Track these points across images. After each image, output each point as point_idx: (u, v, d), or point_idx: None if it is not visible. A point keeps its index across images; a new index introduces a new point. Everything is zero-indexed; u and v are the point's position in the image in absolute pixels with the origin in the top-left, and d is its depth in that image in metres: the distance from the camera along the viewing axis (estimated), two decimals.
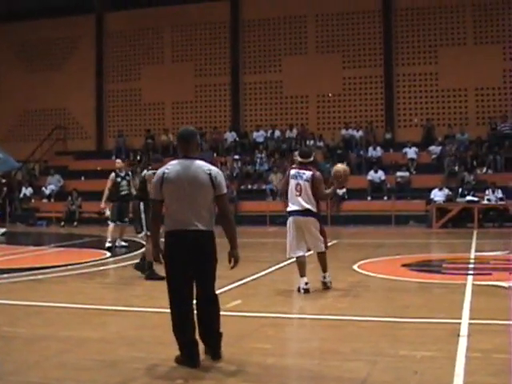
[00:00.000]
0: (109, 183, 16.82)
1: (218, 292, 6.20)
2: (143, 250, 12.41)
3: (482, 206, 23.08)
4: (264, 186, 27.36)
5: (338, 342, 6.87)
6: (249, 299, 9.51)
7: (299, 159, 10.07)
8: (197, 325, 5.99)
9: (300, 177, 9.77)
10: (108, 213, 17.53)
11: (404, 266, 12.73)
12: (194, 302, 6.01)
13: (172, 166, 6.02)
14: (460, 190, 24.05)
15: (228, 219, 6.11)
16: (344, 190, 25.39)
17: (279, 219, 22.32)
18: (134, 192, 16.30)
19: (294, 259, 9.99)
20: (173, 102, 32.35)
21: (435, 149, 27.45)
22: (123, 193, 16.74)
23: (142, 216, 12.00)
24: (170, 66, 32.32)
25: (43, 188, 30.24)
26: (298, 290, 9.71)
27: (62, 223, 27.13)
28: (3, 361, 6.27)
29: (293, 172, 9.85)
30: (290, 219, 9.78)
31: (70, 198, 27.70)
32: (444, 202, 23.68)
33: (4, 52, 34.20)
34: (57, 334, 7.40)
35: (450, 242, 19.27)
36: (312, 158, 10.10)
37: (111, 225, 16.89)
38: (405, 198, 25.49)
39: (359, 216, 25.03)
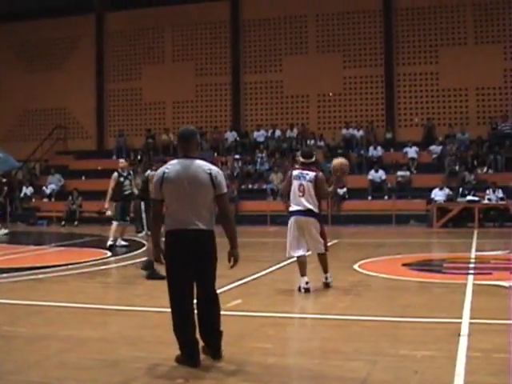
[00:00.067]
0: (112, 183, 16.80)
1: (218, 291, 6.21)
2: (144, 248, 12.42)
3: (483, 206, 23.08)
4: (264, 186, 27.36)
5: (338, 342, 6.87)
6: (249, 299, 9.51)
7: (301, 159, 10.07)
8: (197, 324, 6.00)
9: (303, 177, 9.78)
10: (109, 212, 17.52)
11: (404, 265, 12.73)
12: (195, 301, 6.02)
13: (172, 166, 6.02)
14: (460, 189, 24.05)
15: (228, 219, 6.12)
16: (345, 189, 25.45)
17: (280, 219, 22.32)
18: (135, 191, 16.33)
19: (295, 259, 10.00)
20: (173, 101, 32.35)
21: (436, 148, 27.45)
22: (126, 192, 16.76)
23: (143, 216, 12.02)
24: (170, 65, 32.32)
25: (44, 187, 30.25)
26: (299, 290, 9.72)
27: (63, 223, 27.13)
28: (4, 360, 6.28)
29: (296, 173, 9.85)
30: (292, 219, 9.78)
31: (70, 198, 27.71)
32: (444, 201, 23.67)
33: (4, 52, 34.20)
34: (57, 333, 7.40)
35: (450, 241, 19.27)
36: (314, 159, 10.12)
37: (114, 224, 16.89)
38: (405, 197, 25.48)
39: (360, 215, 25.02)
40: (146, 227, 11.88)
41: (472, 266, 12.50)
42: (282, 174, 26.88)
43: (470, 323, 7.40)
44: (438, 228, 22.55)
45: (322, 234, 9.97)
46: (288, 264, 11.95)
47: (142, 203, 12.04)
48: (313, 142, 28.64)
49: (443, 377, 5.52)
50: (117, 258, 15.10)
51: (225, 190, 6.07)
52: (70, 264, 13.47)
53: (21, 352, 6.58)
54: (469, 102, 28.73)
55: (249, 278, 11.14)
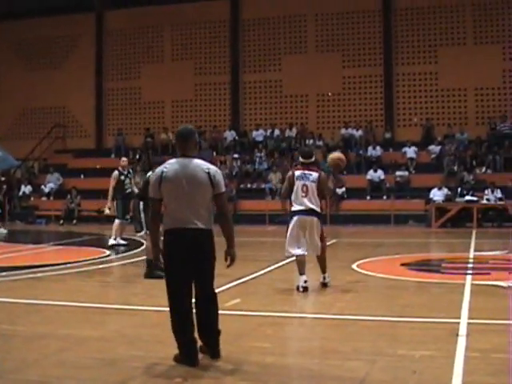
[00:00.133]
0: (113, 181, 16.80)
1: (216, 291, 6.20)
2: (143, 247, 12.42)
3: (481, 206, 23.09)
4: (263, 185, 27.37)
5: (336, 341, 6.87)
6: (248, 298, 9.51)
7: (301, 159, 10.08)
8: (196, 323, 6.00)
9: (307, 178, 9.80)
10: (107, 211, 17.54)
11: (403, 265, 12.74)
12: (193, 300, 6.02)
13: (170, 165, 6.02)
14: (459, 189, 24.06)
15: (226, 218, 6.13)
16: (343, 189, 25.45)
17: (278, 218, 22.34)
18: (135, 190, 16.40)
19: (293, 258, 10.01)
20: (172, 100, 32.36)
21: (434, 148, 27.47)
22: (127, 191, 16.78)
23: (142, 215, 12.04)
24: (169, 64, 32.32)
25: (42, 186, 30.25)
26: (297, 289, 9.73)
27: (61, 221, 27.14)
28: (3, 359, 6.28)
29: (298, 173, 9.85)
30: (295, 218, 9.78)
31: (69, 196, 27.71)
32: (443, 201, 23.69)
33: (4, 50, 34.17)
34: (56, 332, 7.40)
35: (449, 241, 19.29)
36: (314, 158, 10.13)
37: (117, 222, 16.88)
38: (404, 197, 25.50)
39: (358, 215, 25.04)
40: (145, 226, 11.90)
41: (470, 266, 12.51)
42: (281, 173, 26.90)
43: (469, 323, 7.41)
44: (436, 228, 22.57)
45: (321, 236, 10.00)
46: (286, 263, 11.96)
47: (141, 203, 12.04)
48: (312, 141, 28.64)
49: (442, 377, 5.52)
50: (115, 256, 15.11)
51: (223, 189, 6.08)
52: (69, 263, 13.47)
53: (20, 351, 6.58)
54: (468, 102, 28.75)
55: (247, 278, 11.14)
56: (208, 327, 6.07)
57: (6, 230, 22.43)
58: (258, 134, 30.34)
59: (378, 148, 28.18)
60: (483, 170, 26.20)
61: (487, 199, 23.30)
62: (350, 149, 28.55)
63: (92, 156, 31.77)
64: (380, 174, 26.61)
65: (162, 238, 6.12)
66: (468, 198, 23.17)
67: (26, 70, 33.96)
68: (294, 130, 29.88)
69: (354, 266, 12.42)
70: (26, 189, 30.35)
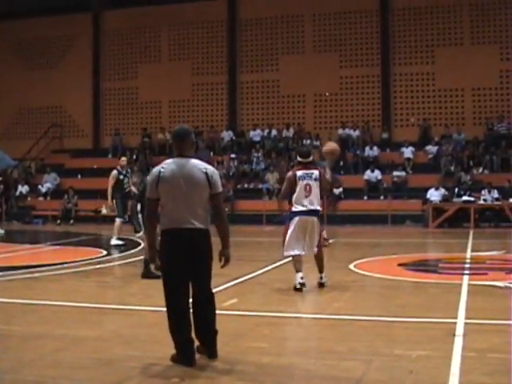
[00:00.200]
0: (111, 181, 16.80)
1: (214, 291, 6.20)
2: (141, 247, 12.42)
3: (478, 206, 23.12)
4: (260, 185, 27.36)
5: (333, 341, 6.87)
6: (245, 298, 9.51)
7: (299, 159, 10.08)
8: (193, 323, 6.00)
9: (309, 177, 9.83)
10: (105, 211, 17.55)
11: (400, 265, 12.74)
12: (190, 300, 6.02)
13: (167, 165, 6.02)
14: (456, 189, 24.09)
15: (222, 218, 6.13)
16: (341, 189, 25.47)
17: (276, 218, 22.33)
18: (134, 189, 16.44)
19: (290, 258, 10.02)
20: (170, 100, 32.35)
21: (432, 148, 27.49)
22: (126, 190, 16.81)
23: (139, 216, 12.04)
24: (166, 64, 32.31)
25: (39, 186, 30.22)
26: (294, 289, 9.72)
27: (58, 221, 27.12)
28: None
29: (300, 173, 9.84)
30: (297, 218, 9.78)
31: (66, 196, 27.69)
32: (440, 201, 23.72)
33: (1, 50, 34.15)
34: (53, 332, 7.39)
35: (446, 241, 19.30)
36: (312, 158, 10.15)
37: (118, 221, 16.87)
38: (401, 197, 25.52)
39: (356, 215, 25.04)
40: (143, 227, 11.90)
41: (467, 266, 12.52)
42: (278, 173, 26.92)
43: (465, 323, 7.41)
44: (433, 228, 22.58)
45: (319, 237, 10.06)
46: (284, 263, 11.95)
47: (138, 204, 12.05)
48: (309, 141, 28.62)
49: (438, 377, 5.52)
50: (112, 256, 15.10)
51: (220, 189, 6.08)
52: (66, 263, 13.46)
53: (16, 351, 6.57)
54: (465, 102, 28.78)
55: (244, 278, 11.13)
56: (205, 327, 6.06)
57: (3, 230, 22.40)
58: (255, 134, 30.34)
59: (375, 148, 28.20)
60: (480, 170, 26.24)
61: (484, 199, 23.33)
62: (348, 149, 28.57)
63: (89, 156, 31.75)
64: (377, 174, 26.62)
65: (158, 239, 6.12)
66: (465, 198, 23.18)
67: (23, 69, 33.93)
68: (292, 130, 29.89)
69: (351, 266, 12.42)
70: (23, 189, 30.32)
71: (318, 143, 28.70)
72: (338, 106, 30.25)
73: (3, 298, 9.43)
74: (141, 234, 12.29)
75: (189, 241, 5.90)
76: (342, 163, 27.98)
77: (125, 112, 33.05)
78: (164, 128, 30.93)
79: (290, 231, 9.82)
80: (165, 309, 6.03)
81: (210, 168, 6.07)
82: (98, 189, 25.28)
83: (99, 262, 13.91)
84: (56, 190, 29.97)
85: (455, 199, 23.50)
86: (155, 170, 6.06)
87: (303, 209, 9.76)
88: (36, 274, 11.86)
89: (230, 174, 28.45)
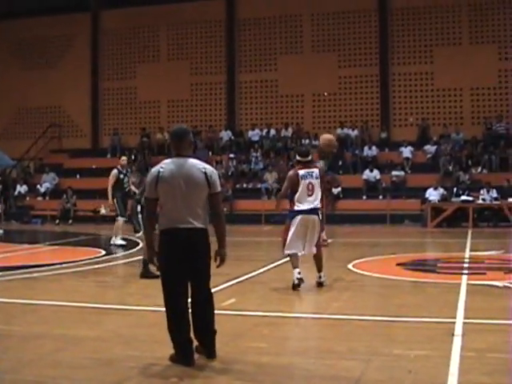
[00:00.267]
0: (112, 180, 16.79)
1: (213, 290, 6.21)
2: (139, 247, 12.42)
3: (477, 206, 23.11)
4: (259, 185, 27.35)
5: (332, 341, 6.88)
6: (244, 298, 9.51)
7: (299, 158, 10.10)
8: (191, 323, 6.00)
9: (310, 176, 9.87)
10: (103, 211, 17.56)
11: (399, 265, 12.74)
12: (189, 300, 6.02)
13: (166, 165, 6.01)
14: (455, 189, 24.09)
15: (220, 218, 6.14)
16: (339, 188, 25.51)
17: (274, 218, 22.36)
18: (133, 189, 16.48)
19: (288, 257, 10.06)
20: (168, 100, 32.34)
21: (430, 148, 27.50)
22: (126, 189, 16.82)
23: (139, 216, 12.06)
24: (165, 64, 32.30)
25: (38, 186, 30.21)
26: (293, 287, 9.73)
27: (57, 221, 27.11)
28: None
29: (302, 172, 9.86)
30: (299, 217, 9.80)
31: (64, 196, 27.68)
32: (439, 201, 23.71)
33: (0, 50, 34.13)
34: (52, 332, 7.40)
35: (444, 241, 19.30)
36: (310, 157, 10.18)
37: (121, 220, 16.86)
38: (400, 197, 25.51)
39: (354, 215, 25.06)
40: (143, 226, 11.91)
41: (466, 265, 12.53)
42: (277, 173, 26.93)
43: (464, 323, 7.41)
44: (432, 228, 22.57)
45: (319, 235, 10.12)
46: (282, 263, 11.95)
47: (138, 205, 12.07)
48: (307, 141, 28.62)
49: (437, 376, 5.53)
50: (111, 256, 15.10)
51: (219, 188, 6.09)
52: (65, 263, 13.46)
53: (15, 351, 6.57)
54: (463, 101, 28.79)
55: (243, 277, 11.14)
56: (204, 327, 6.07)
57: (2, 229, 22.39)
58: (254, 134, 30.34)
59: (373, 148, 28.21)
60: (479, 169, 26.24)
61: (483, 199, 23.32)
62: (346, 149, 28.59)
63: (88, 156, 31.74)
64: (376, 173, 26.63)
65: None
66: (464, 197, 23.18)
67: (21, 69, 33.90)
68: (290, 130, 29.89)
69: (350, 266, 12.42)
70: (22, 188, 30.31)
71: (316, 143, 28.73)
72: (337, 106, 30.26)
73: (2, 298, 9.43)
74: (140, 233, 12.29)
75: (187, 240, 5.90)
76: (340, 163, 28.01)
77: (123, 112, 33.04)
78: (163, 128, 30.92)
79: (292, 230, 9.83)
80: (164, 309, 6.04)
81: (208, 168, 6.07)
82: (97, 189, 25.29)
83: (98, 262, 13.91)
84: (55, 189, 29.95)
85: (454, 199, 23.50)
86: (154, 169, 6.06)
87: (306, 207, 9.79)
88: (35, 274, 11.86)
89: (229, 173, 28.45)
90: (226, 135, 30.63)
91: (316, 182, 9.90)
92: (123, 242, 16.77)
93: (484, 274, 11.43)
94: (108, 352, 6.44)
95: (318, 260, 10.12)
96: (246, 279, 11.11)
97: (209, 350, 6.07)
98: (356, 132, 29.15)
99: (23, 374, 5.79)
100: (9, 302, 9.21)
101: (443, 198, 23.83)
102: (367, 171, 26.73)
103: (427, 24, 29.07)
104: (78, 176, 30.41)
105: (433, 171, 26.26)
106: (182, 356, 5.91)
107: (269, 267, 12.48)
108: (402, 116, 29.64)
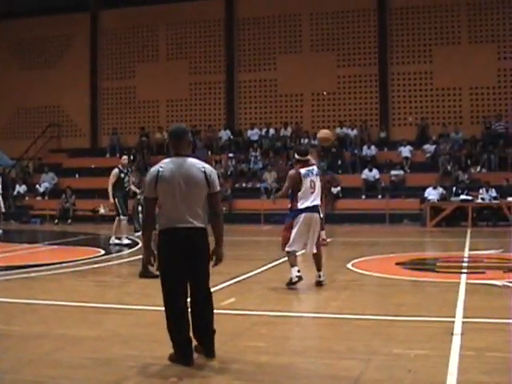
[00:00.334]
0: (112, 179, 16.77)
1: (212, 290, 6.20)
2: (138, 246, 12.41)
3: (476, 205, 23.11)
4: (258, 185, 27.35)
5: (331, 340, 6.88)
6: (243, 297, 9.52)
7: (298, 157, 10.13)
8: (191, 323, 6.00)
9: (311, 173, 9.95)
10: (102, 210, 17.57)
11: (398, 264, 12.75)
12: (189, 299, 6.02)
13: (165, 165, 6.01)
14: (454, 188, 24.08)
15: (219, 217, 6.14)
16: (339, 188, 25.52)
17: (274, 217, 22.37)
18: (133, 188, 16.52)
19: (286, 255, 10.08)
20: (167, 99, 32.33)
21: (429, 147, 27.49)
22: (127, 189, 16.84)
23: (140, 216, 12.08)
24: (164, 63, 32.29)
25: (37, 186, 30.20)
26: (290, 284, 9.78)
27: (56, 221, 27.10)
28: None
29: (304, 171, 9.91)
30: (302, 215, 9.84)
31: (63, 196, 27.68)
32: (438, 200, 23.71)
33: None
34: (51, 331, 7.39)
35: (443, 240, 19.31)
36: (309, 156, 10.24)
37: (124, 219, 16.84)
38: (399, 196, 25.52)
39: (353, 214, 25.06)
40: (142, 226, 11.93)
41: (465, 265, 12.53)
42: (276, 172, 26.94)
43: (463, 322, 7.42)
44: (431, 227, 22.57)
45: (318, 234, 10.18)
46: (282, 263, 11.95)
47: (139, 206, 12.09)
48: (307, 140, 28.59)
49: (436, 375, 5.53)
50: (110, 256, 15.10)
51: (218, 188, 6.09)
52: (64, 262, 13.45)
53: (15, 350, 6.57)
54: (463, 101, 28.78)
55: (242, 277, 11.15)
56: (203, 326, 6.07)
57: (1, 229, 22.39)
58: (253, 134, 30.34)
59: (372, 147, 28.19)
60: (478, 169, 26.24)
61: (482, 198, 23.32)
62: (345, 148, 28.61)
63: (87, 155, 31.73)
64: (375, 173, 26.62)
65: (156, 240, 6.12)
66: (463, 197, 23.18)
67: (20, 69, 33.89)
68: (289, 130, 29.88)
69: (349, 265, 12.43)
70: (21, 188, 30.29)
71: (315, 142, 28.72)
72: (336, 105, 30.25)
73: (2, 298, 9.43)
74: (140, 233, 12.29)
75: (187, 240, 5.90)
76: (339, 162, 28.02)
77: (122, 111, 33.02)
78: (162, 127, 30.90)
79: (296, 228, 9.85)
80: (163, 308, 6.04)
81: (208, 167, 6.08)
82: (96, 188, 25.30)
83: (97, 262, 13.91)
84: (54, 189, 29.95)
85: (453, 198, 23.50)
86: (153, 169, 6.05)
87: (308, 205, 9.84)
88: (34, 274, 11.86)
89: (228, 173, 28.44)
90: (225, 135, 30.62)
91: (316, 180, 9.99)
92: (128, 241, 16.74)
93: (483, 273, 11.44)
94: (107, 351, 6.44)
95: (317, 259, 10.14)
96: (245, 279, 11.12)
97: (208, 350, 6.07)
98: (355, 131, 29.15)
99: (23, 374, 5.79)
100: (8, 302, 9.21)
101: (442, 198, 23.83)
102: (366, 171, 26.73)
103: (426, 23, 29.07)
104: (77, 176, 30.40)
105: (432, 171, 26.26)
106: (182, 355, 5.91)
107: (268, 267, 12.48)
108: (401, 115, 29.63)
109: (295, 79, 30.02)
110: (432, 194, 23.89)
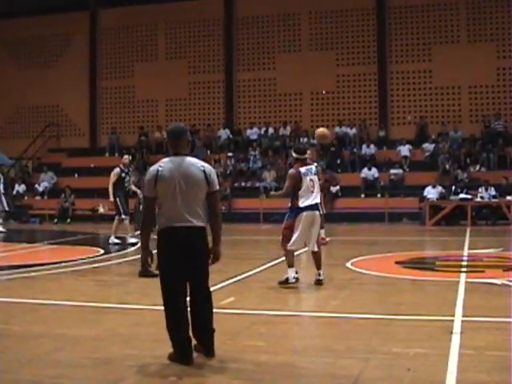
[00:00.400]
0: (113, 178, 16.75)
1: (211, 289, 6.21)
2: (139, 245, 12.40)
3: (475, 204, 23.12)
4: (257, 184, 27.35)
5: (331, 340, 6.88)
6: (242, 296, 9.52)
7: (297, 156, 10.14)
8: (190, 322, 6.00)
9: (310, 172, 10.02)
10: (102, 210, 17.57)
11: (397, 263, 12.75)
12: (188, 299, 6.02)
13: (165, 164, 6.01)
14: (453, 187, 24.08)
15: (218, 217, 6.15)
16: (338, 187, 25.52)
17: (273, 216, 22.37)
18: (133, 188, 16.53)
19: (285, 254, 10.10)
20: (166, 99, 32.31)
21: (428, 146, 27.49)
22: (127, 188, 16.84)
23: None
24: (163, 63, 32.27)
25: (36, 185, 30.20)
26: (286, 282, 9.85)
27: (55, 220, 27.11)
28: None
29: (304, 170, 9.95)
30: (304, 214, 9.85)
31: (63, 195, 27.69)
32: (437, 199, 23.72)
33: None
34: (51, 331, 7.39)
35: (443, 239, 19.31)
36: (307, 155, 10.27)
37: (126, 218, 16.82)
38: (398, 195, 25.54)
39: (353, 213, 25.06)
40: (140, 226, 11.93)
41: (465, 263, 12.53)
42: (275, 171, 26.95)
43: (463, 321, 7.42)
44: (430, 226, 22.57)
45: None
46: (281, 262, 11.94)
47: (141, 205, 12.11)
48: (306, 139, 28.61)
49: (436, 374, 5.53)
50: (109, 255, 15.10)
51: (217, 187, 6.09)
52: (63, 262, 13.45)
53: (14, 350, 6.56)
54: (462, 100, 28.78)
55: (242, 276, 11.15)
56: (202, 326, 6.07)
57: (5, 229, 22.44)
58: (252, 133, 30.33)
59: (372, 146, 28.19)
60: (477, 167, 26.25)
61: (481, 197, 23.34)
62: (344, 147, 28.61)
63: (86, 155, 31.73)
64: (374, 172, 26.63)
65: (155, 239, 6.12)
66: (462, 195, 23.19)
67: (19, 68, 33.88)
68: (288, 129, 29.88)
69: (349, 264, 12.43)
70: (20, 188, 30.28)
71: (315, 141, 28.73)
72: (335, 104, 30.25)
73: (1, 298, 9.43)
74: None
75: (186, 239, 5.90)
76: (339, 161, 28.03)
77: (121, 110, 33.01)
78: (161, 126, 30.87)
79: (299, 227, 9.85)
80: (162, 307, 6.04)
81: (207, 166, 6.08)
82: (95, 188, 25.32)
83: (97, 261, 13.91)
84: (53, 189, 29.95)
85: (452, 197, 23.50)
86: (153, 168, 6.05)
87: (310, 203, 9.87)
88: (34, 273, 11.86)
89: (227, 172, 28.44)
90: (224, 134, 30.62)
91: (315, 178, 10.04)
92: (134, 240, 16.68)
93: (482, 271, 11.45)
94: (107, 351, 6.44)
95: (316, 258, 10.15)
96: (245, 278, 11.12)
97: (207, 349, 6.08)
98: (354, 130, 29.14)
99: (22, 374, 5.79)
100: (8, 302, 9.20)
101: (441, 196, 23.84)
102: (365, 169, 26.73)
103: (425, 22, 29.06)
104: (76, 175, 30.40)
105: (431, 169, 26.27)
106: (181, 355, 5.91)
107: (267, 266, 12.48)
108: (401, 114, 29.63)
109: (294, 78, 30.01)
110: (431, 193, 23.90)
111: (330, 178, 24.23)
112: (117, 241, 16.95)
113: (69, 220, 26.91)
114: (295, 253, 10.14)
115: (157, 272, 6.17)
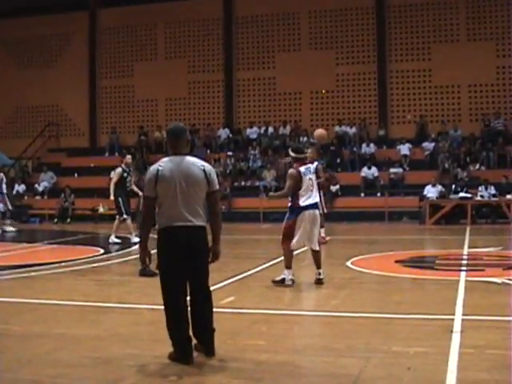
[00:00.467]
0: (115, 178, 16.77)
1: (211, 288, 6.21)
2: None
3: (475, 203, 23.11)
4: (257, 183, 27.35)
5: (331, 339, 6.88)
6: (242, 296, 9.52)
7: (295, 155, 10.14)
8: (190, 321, 6.00)
9: (309, 171, 10.07)
10: (102, 209, 17.57)
11: (397, 262, 12.75)
12: (188, 298, 6.02)
13: (165, 163, 6.01)
14: (453, 186, 24.08)
15: (217, 216, 6.16)
16: (337, 186, 25.51)
17: (273, 216, 22.37)
18: (134, 188, 16.54)
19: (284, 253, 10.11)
20: (166, 98, 32.30)
21: (428, 145, 27.48)
22: (129, 188, 16.83)
23: None
24: (163, 62, 32.26)
25: (36, 185, 30.18)
26: (280, 282, 9.87)
27: (55, 220, 27.11)
28: None
29: (303, 169, 9.97)
30: (306, 213, 9.88)
31: (62, 195, 27.67)
32: (437, 198, 23.72)
33: None
34: (51, 331, 7.39)
35: (443, 238, 19.30)
36: (305, 154, 10.30)
37: (128, 219, 16.82)
38: (398, 194, 25.54)
39: (352, 212, 25.05)
40: (140, 226, 11.93)
41: (464, 262, 12.53)
42: (275, 171, 26.94)
43: (463, 320, 7.42)
44: (430, 225, 22.56)
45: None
46: (281, 261, 11.93)
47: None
48: (305, 139, 28.57)
49: (436, 373, 5.53)
50: (109, 255, 15.09)
51: (217, 186, 6.10)
52: (63, 261, 13.44)
53: (14, 350, 6.56)
54: (461, 98, 28.77)
55: (242, 275, 11.15)
56: (203, 325, 6.07)
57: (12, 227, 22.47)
58: (252, 132, 30.32)
59: (371, 145, 28.19)
60: (477, 166, 26.25)
61: (481, 196, 23.34)
62: (344, 146, 28.60)
63: (86, 154, 31.73)
64: (374, 171, 26.62)
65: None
66: (462, 194, 23.18)
67: (19, 68, 33.87)
68: (288, 128, 29.87)
69: (349, 263, 12.42)
70: (20, 188, 30.26)
71: (315, 141, 28.68)
72: (335, 103, 30.24)
73: (1, 298, 9.43)
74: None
75: (186, 238, 5.90)
76: (338, 160, 28.02)
77: (121, 110, 32.99)
78: (160, 126, 30.85)
79: (301, 226, 9.87)
80: (162, 307, 6.04)
81: (207, 165, 6.08)
82: (95, 187, 25.34)
83: (96, 261, 13.91)
84: (53, 188, 29.94)
85: (452, 196, 23.50)
86: (153, 168, 6.05)
87: (310, 202, 9.91)
88: (33, 273, 11.86)
89: (227, 171, 28.43)
90: (223, 133, 30.61)
91: (314, 177, 10.11)
92: (137, 240, 16.68)
93: (482, 270, 11.44)
94: (107, 351, 6.44)
95: (316, 257, 10.15)
96: (245, 277, 11.12)
97: (207, 348, 6.08)
98: (354, 129, 29.13)
99: (22, 374, 5.79)
100: (7, 302, 9.21)
101: (441, 195, 23.84)
102: (365, 168, 26.73)
103: (425, 21, 29.05)
104: (75, 175, 30.38)
105: (431, 168, 26.28)
106: (181, 354, 5.91)
107: (267, 265, 12.47)
108: (400, 113, 29.62)
109: (294, 77, 30.00)
110: (431, 192, 23.90)
111: (329, 177, 24.22)
112: (117, 240, 16.96)
113: (69, 220, 26.91)
114: (294, 252, 10.13)
115: (157, 271, 6.17)
